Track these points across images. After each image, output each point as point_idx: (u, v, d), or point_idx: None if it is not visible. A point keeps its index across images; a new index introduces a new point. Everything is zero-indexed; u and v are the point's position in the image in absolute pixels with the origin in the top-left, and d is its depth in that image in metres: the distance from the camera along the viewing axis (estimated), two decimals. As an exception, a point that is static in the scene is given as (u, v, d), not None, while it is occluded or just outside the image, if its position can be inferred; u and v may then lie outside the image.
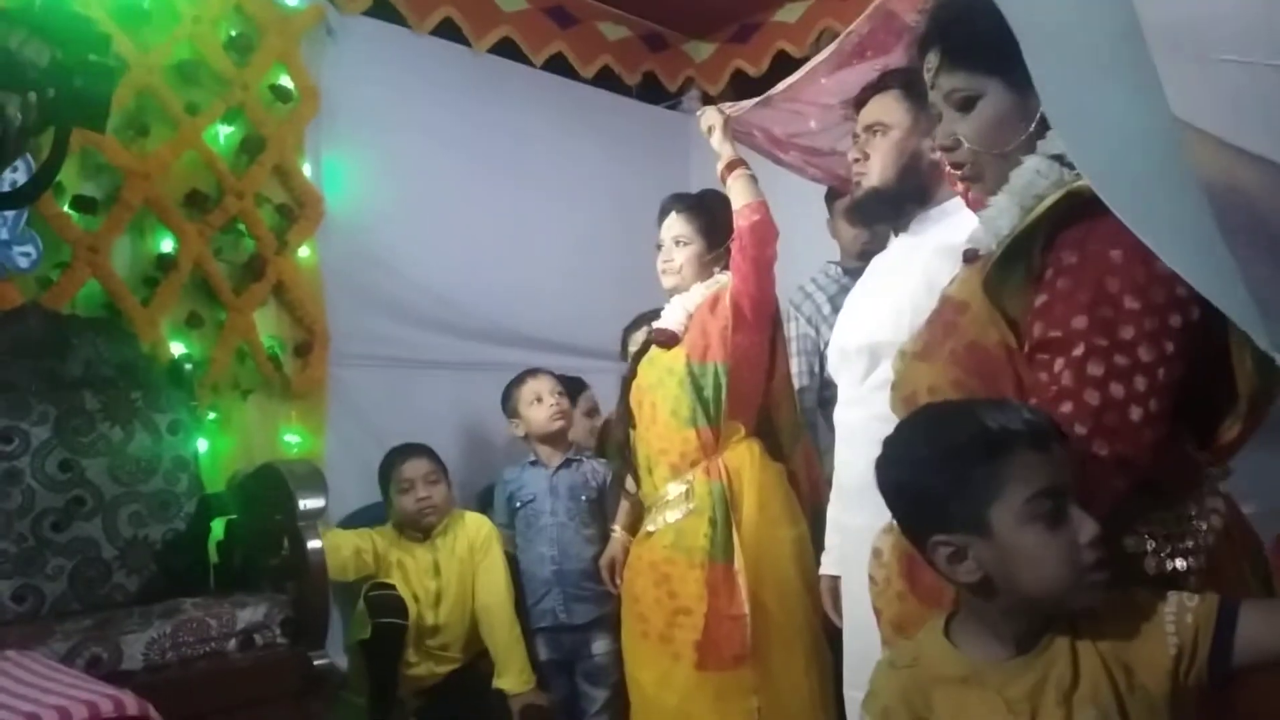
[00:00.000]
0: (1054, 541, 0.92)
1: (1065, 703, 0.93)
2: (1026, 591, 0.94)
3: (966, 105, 1.15)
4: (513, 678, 2.54)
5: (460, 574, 2.61)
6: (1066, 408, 0.97)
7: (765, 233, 2.12)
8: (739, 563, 2.07)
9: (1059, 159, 1.07)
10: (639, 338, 2.69)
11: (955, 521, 0.95)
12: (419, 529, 2.63)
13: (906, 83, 1.72)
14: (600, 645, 2.61)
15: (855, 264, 2.67)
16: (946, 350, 1.13)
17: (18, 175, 2.29)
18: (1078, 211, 1.01)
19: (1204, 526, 1.02)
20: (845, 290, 2.68)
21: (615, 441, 2.38)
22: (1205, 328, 0.98)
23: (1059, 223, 1.03)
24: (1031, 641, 0.97)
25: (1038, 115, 1.11)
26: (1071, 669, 0.95)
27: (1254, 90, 0.82)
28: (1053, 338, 1.00)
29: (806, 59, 3.47)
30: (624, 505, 2.46)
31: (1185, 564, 1.00)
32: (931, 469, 0.97)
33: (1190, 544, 1.01)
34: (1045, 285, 1.02)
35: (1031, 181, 1.09)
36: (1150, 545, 1.01)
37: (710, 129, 2.21)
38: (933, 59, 1.18)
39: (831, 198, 2.69)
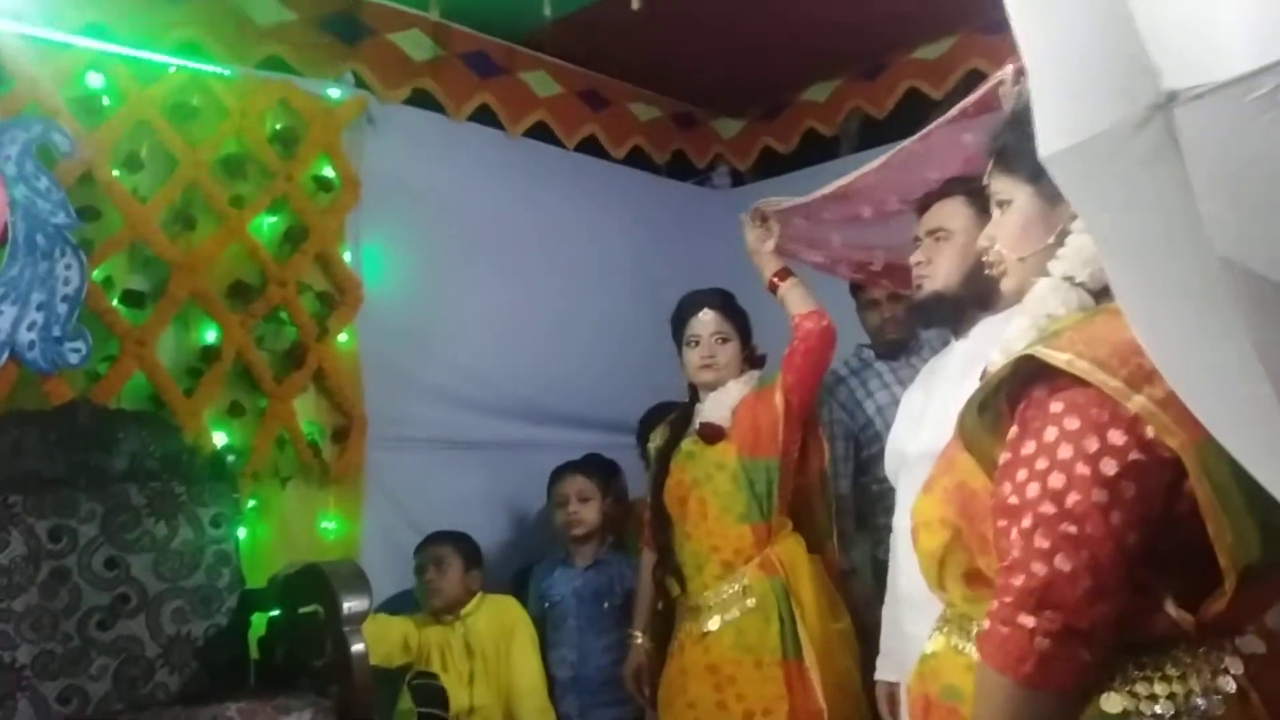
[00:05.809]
0: None
1: None
2: None
3: (1002, 208, 1.22)
4: None
5: (495, 653, 2.63)
6: (1018, 580, 0.95)
7: (831, 338, 2.20)
8: (809, 658, 2.09)
9: (1070, 279, 1.10)
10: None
11: None
12: (431, 612, 2.68)
13: (970, 190, 1.75)
14: (620, 750, 2.60)
15: (884, 348, 2.70)
16: (941, 486, 1.15)
17: (71, 273, 2.37)
18: (1042, 371, 1.00)
19: (1200, 704, 0.96)
20: (878, 375, 2.72)
21: (658, 544, 2.36)
22: (1172, 496, 0.95)
23: (1025, 379, 1.02)
24: None
25: (1059, 228, 1.14)
26: None
27: None
28: (1011, 504, 0.98)
29: (836, 138, 3.59)
30: (645, 608, 2.41)
31: None
32: None
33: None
34: (1011, 443, 1.02)
35: (1043, 301, 1.12)
36: (1131, 705, 0.97)
37: (754, 252, 2.26)
38: (989, 163, 1.24)
39: (856, 288, 2.72)
